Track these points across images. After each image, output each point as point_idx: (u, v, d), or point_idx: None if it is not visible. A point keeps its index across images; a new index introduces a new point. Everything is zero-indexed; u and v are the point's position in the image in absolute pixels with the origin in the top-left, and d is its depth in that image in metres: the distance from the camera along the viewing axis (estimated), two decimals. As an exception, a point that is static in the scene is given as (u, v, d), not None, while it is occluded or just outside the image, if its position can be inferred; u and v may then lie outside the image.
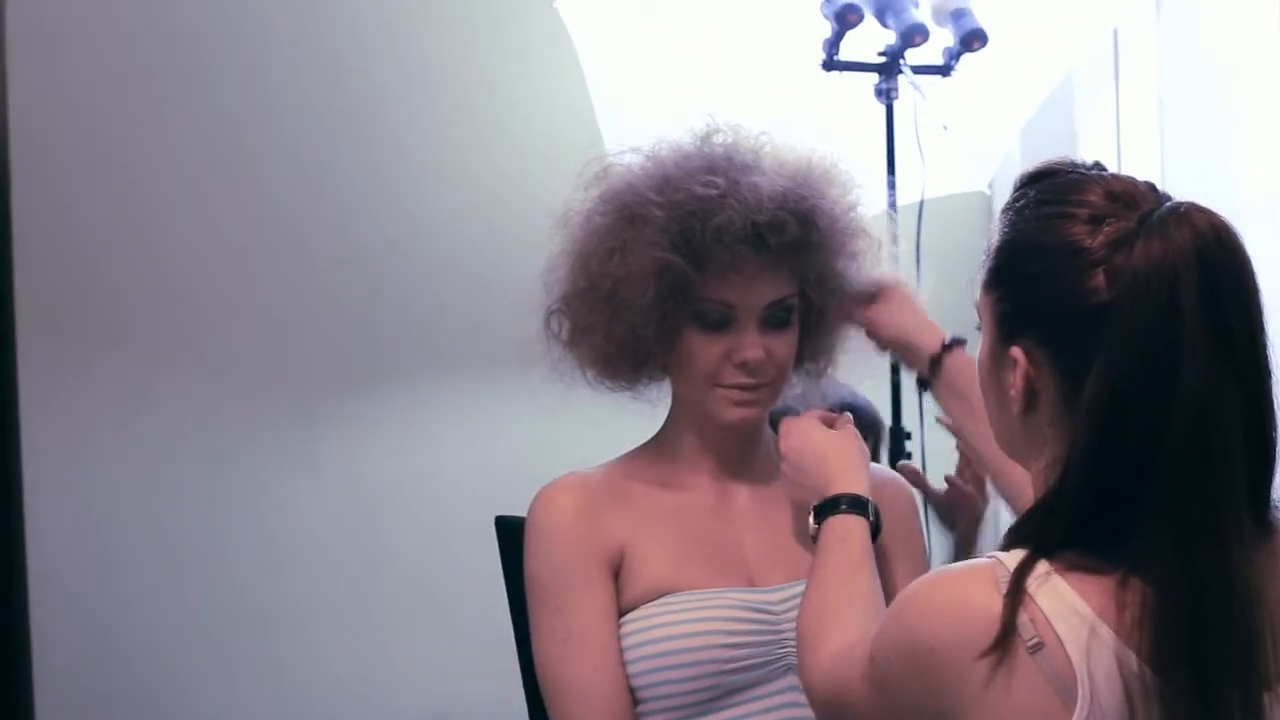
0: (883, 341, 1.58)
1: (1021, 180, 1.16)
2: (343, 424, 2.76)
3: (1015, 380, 1.10)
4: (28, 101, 2.58)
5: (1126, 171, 3.19)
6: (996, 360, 1.14)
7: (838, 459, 1.44)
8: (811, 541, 1.41)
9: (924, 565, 1.61)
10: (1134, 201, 1.07)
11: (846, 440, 1.47)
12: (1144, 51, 2.99)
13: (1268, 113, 2.82)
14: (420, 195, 2.78)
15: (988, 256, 1.16)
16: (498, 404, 2.71)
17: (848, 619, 1.29)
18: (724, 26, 2.46)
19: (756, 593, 1.48)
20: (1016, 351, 1.10)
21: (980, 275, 1.17)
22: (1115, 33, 2.96)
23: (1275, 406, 1.05)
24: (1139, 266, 1.02)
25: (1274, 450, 1.06)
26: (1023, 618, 1.00)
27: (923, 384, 1.55)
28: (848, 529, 1.38)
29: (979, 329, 1.19)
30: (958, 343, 1.52)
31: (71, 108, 2.61)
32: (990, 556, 1.06)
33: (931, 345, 1.52)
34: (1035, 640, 1.00)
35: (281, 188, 2.72)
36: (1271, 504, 1.07)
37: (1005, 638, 1.00)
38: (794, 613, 1.47)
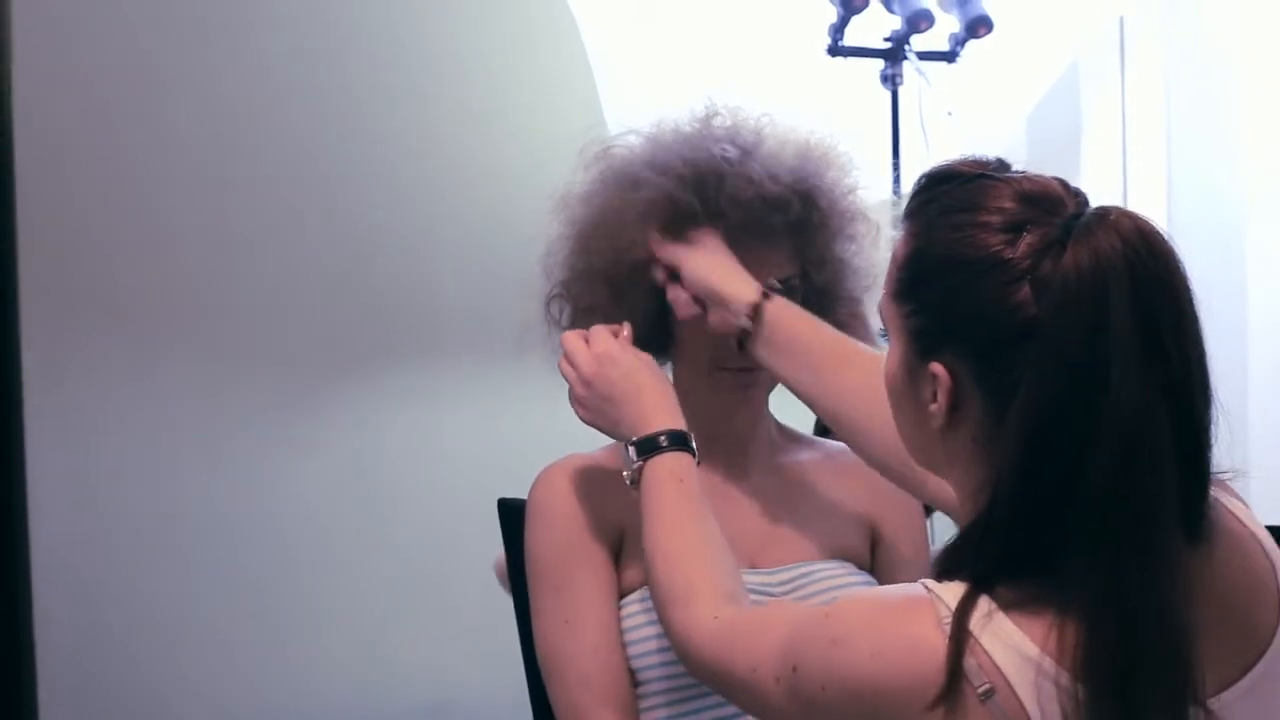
0: (690, 289, 1.43)
1: (923, 183, 1.10)
2: (345, 408, 2.76)
3: (938, 397, 1.05)
4: (33, 84, 2.57)
5: (1133, 159, 3.18)
6: (913, 375, 1.09)
7: (652, 389, 1.37)
8: (633, 485, 1.34)
9: (924, 541, 1.61)
10: (1050, 204, 1.02)
11: (654, 366, 1.40)
12: (1150, 38, 2.98)
13: (1273, 100, 2.82)
14: (423, 179, 2.78)
15: (894, 265, 1.10)
16: (500, 387, 2.70)
17: (710, 564, 1.25)
18: (730, 11, 2.46)
19: (757, 574, 1.48)
20: (938, 368, 1.05)
21: (887, 285, 1.11)
22: (1121, 20, 2.96)
23: (1209, 420, 1.01)
24: (1067, 279, 0.97)
25: (1207, 464, 1.02)
26: (970, 663, 0.96)
27: (741, 340, 1.41)
28: (680, 466, 1.31)
29: (884, 334, 1.14)
30: (775, 290, 1.41)
31: (76, 91, 2.60)
32: (925, 588, 1.02)
33: (749, 294, 1.40)
34: (986, 687, 0.96)
35: (284, 172, 2.72)
36: (1206, 514, 1.02)
37: (953, 686, 0.96)
38: (793, 595, 1.47)
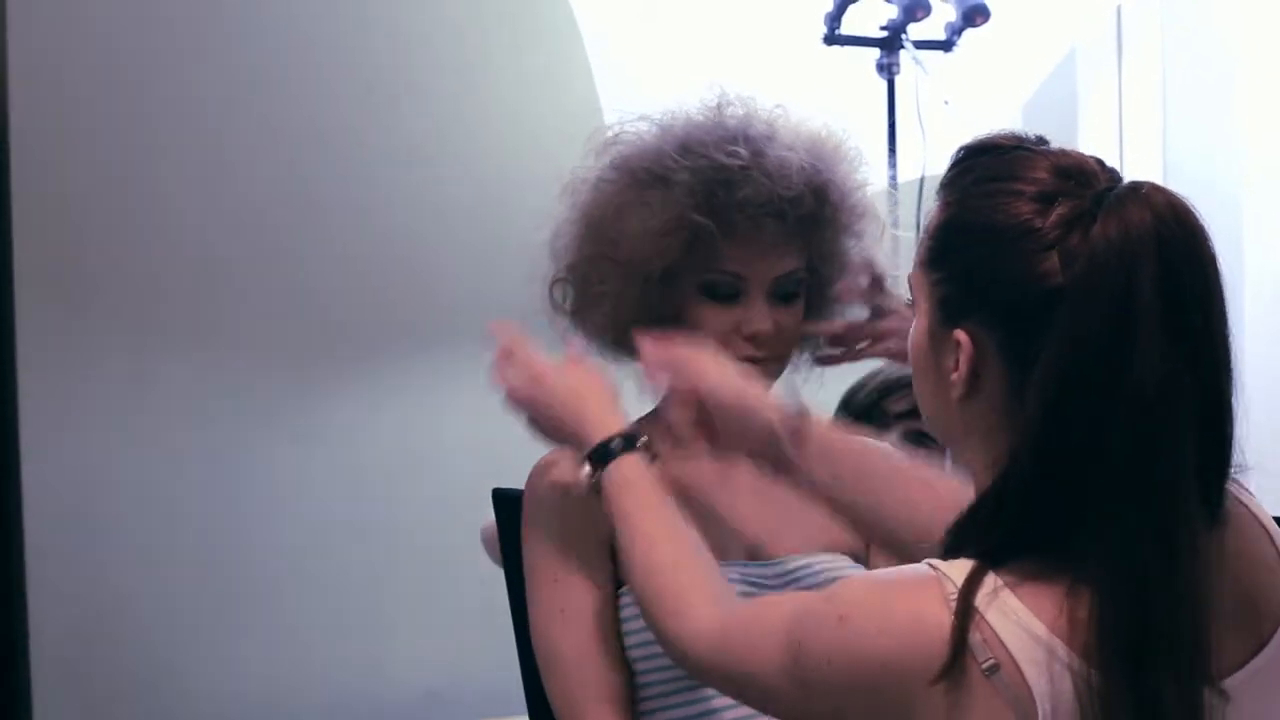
0: (712, 409, 1.35)
1: (961, 154, 1.11)
2: (343, 396, 2.76)
3: (959, 364, 1.06)
4: (29, 73, 2.57)
5: (1130, 149, 3.18)
6: (936, 342, 1.09)
7: (596, 398, 1.36)
8: (593, 499, 1.33)
9: None
10: (1084, 178, 1.03)
11: (594, 376, 1.39)
12: (1147, 27, 2.98)
13: (1270, 89, 2.82)
14: (421, 169, 2.77)
15: (926, 234, 1.11)
16: (498, 377, 2.70)
17: (691, 568, 1.24)
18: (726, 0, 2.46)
19: (754, 567, 1.48)
20: (961, 335, 1.05)
21: (918, 253, 1.12)
22: (1118, 9, 2.96)
23: (1232, 398, 1.01)
24: (1095, 250, 0.98)
25: (1229, 444, 1.02)
26: (975, 638, 0.96)
27: (771, 461, 1.34)
28: (630, 470, 1.31)
29: (910, 304, 1.15)
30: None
31: (72, 84, 2.59)
32: (931, 567, 1.02)
33: (780, 408, 1.34)
34: (990, 662, 0.96)
35: (284, 162, 2.71)
36: (1223, 498, 1.03)
37: (956, 660, 0.96)
38: (792, 587, 1.46)
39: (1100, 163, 1.06)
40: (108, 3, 2.63)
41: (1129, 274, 0.97)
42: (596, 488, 1.33)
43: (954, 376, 1.07)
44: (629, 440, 1.33)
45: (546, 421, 1.39)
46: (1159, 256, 0.97)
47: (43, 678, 2.55)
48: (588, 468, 1.34)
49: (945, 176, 1.11)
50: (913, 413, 2.05)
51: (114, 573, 2.60)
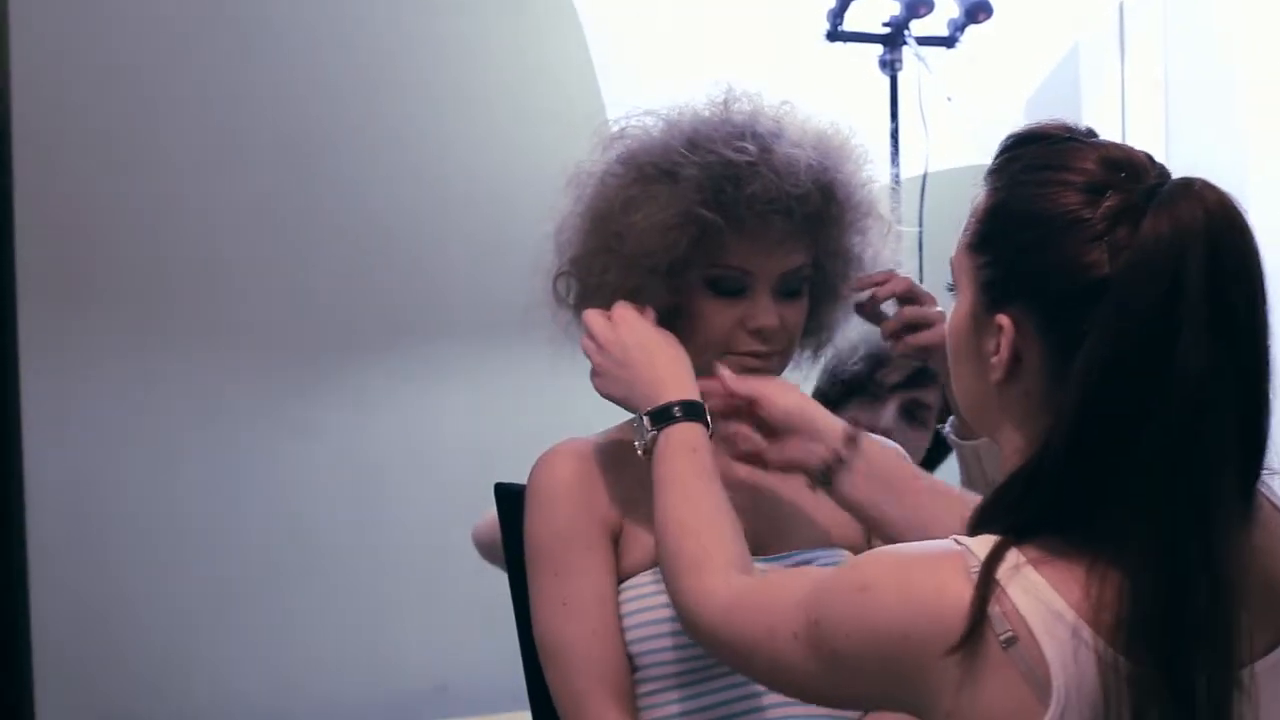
0: (773, 419, 1.37)
1: (1011, 141, 1.12)
2: (344, 391, 2.76)
3: (1000, 348, 1.07)
4: (31, 72, 2.57)
5: (1132, 144, 3.18)
6: (978, 326, 1.11)
7: (666, 360, 1.37)
8: (645, 455, 1.34)
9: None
10: (1134, 172, 1.04)
11: (673, 340, 1.40)
12: (1149, 24, 2.98)
13: (1272, 87, 2.81)
14: (423, 164, 2.78)
15: (972, 218, 1.12)
16: (499, 371, 2.71)
17: (722, 534, 1.25)
18: (728, -4, 2.46)
19: (758, 562, 1.47)
20: (1003, 319, 1.07)
21: (964, 237, 1.13)
22: (1121, 6, 2.95)
23: (1270, 394, 1.02)
24: (1145, 243, 0.99)
25: (1265, 438, 1.03)
26: (995, 611, 0.98)
27: (826, 475, 1.35)
28: (694, 437, 1.32)
29: (951, 289, 1.16)
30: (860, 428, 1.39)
31: (75, 81, 2.60)
32: (957, 542, 1.03)
33: (840, 424, 1.37)
34: (1009, 634, 0.97)
35: (284, 158, 2.72)
36: (1256, 492, 1.04)
37: (974, 631, 0.97)
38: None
39: (1149, 157, 1.07)
40: (109, 2, 2.63)
41: (1177, 269, 0.98)
42: (649, 448, 1.34)
43: (994, 360, 1.08)
44: (691, 408, 1.34)
45: (615, 371, 1.38)
46: (1208, 253, 0.98)
47: (44, 675, 2.55)
48: (647, 423, 1.34)
49: (993, 163, 1.12)
50: (907, 384, 2.05)
51: (116, 571, 2.60)
